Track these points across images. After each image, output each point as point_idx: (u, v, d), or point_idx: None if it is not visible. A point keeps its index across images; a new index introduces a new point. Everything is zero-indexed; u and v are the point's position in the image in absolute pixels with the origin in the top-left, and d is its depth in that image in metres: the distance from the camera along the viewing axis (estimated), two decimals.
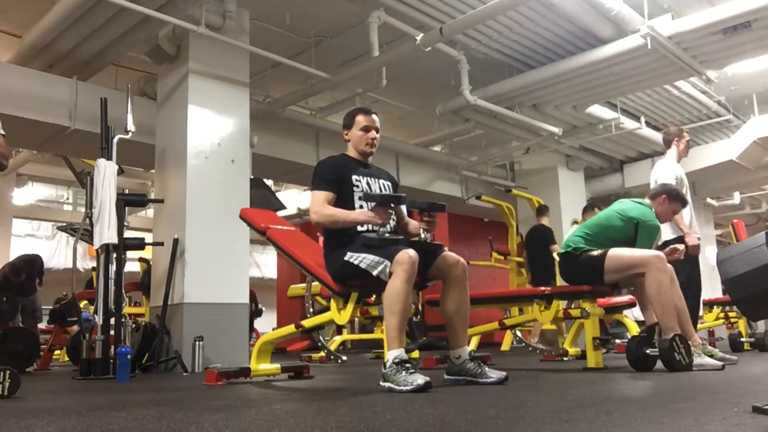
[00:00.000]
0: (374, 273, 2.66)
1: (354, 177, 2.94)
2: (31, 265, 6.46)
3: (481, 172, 9.17)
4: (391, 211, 2.88)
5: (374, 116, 3.04)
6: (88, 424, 1.85)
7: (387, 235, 2.84)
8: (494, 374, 2.73)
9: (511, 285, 7.60)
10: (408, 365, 2.51)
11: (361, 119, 3.00)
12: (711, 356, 3.38)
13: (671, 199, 3.77)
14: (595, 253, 3.52)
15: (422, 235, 2.94)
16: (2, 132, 2.84)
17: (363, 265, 2.69)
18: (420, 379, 2.42)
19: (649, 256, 3.44)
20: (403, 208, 3.09)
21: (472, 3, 5.34)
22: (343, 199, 2.89)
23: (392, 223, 2.97)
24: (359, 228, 2.85)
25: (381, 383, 2.55)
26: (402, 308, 2.58)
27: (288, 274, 12.05)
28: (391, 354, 2.55)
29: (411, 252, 2.62)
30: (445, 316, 2.86)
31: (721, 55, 6.13)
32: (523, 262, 7.69)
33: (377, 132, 3.03)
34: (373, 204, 2.84)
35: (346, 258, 2.77)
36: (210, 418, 1.86)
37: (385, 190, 3.03)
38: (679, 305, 3.49)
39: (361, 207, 2.91)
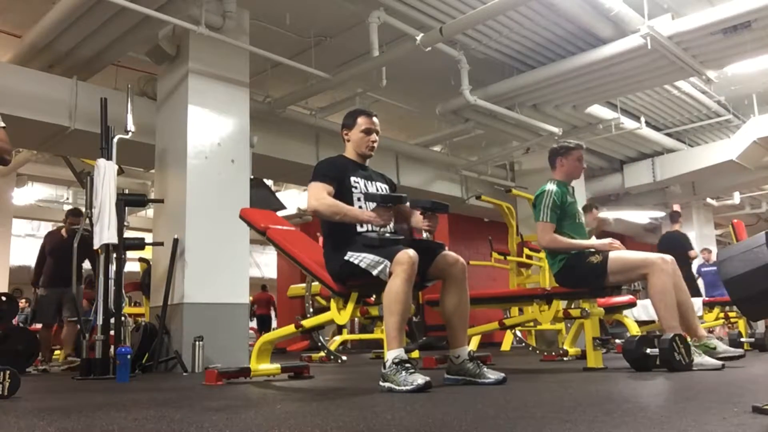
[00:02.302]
0: (374, 273, 2.66)
1: (352, 179, 2.95)
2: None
3: (481, 172, 9.17)
4: (391, 212, 2.88)
5: (375, 119, 3.05)
6: (88, 424, 1.85)
7: (387, 235, 2.85)
8: (493, 375, 2.73)
9: (510, 285, 7.59)
10: (408, 365, 2.51)
11: (362, 121, 3.01)
12: (714, 349, 3.37)
13: (563, 155, 3.82)
14: (594, 259, 3.53)
15: (423, 235, 2.94)
16: (2, 124, 2.79)
17: (363, 265, 2.70)
18: (420, 379, 2.42)
19: (653, 257, 3.45)
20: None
21: (472, 3, 5.34)
22: (341, 200, 2.89)
23: (392, 224, 2.98)
24: (359, 228, 2.86)
25: (381, 383, 2.55)
26: (402, 308, 2.58)
27: (288, 274, 12.05)
28: (391, 354, 2.55)
29: (411, 252, 2.62)
30: (445, 315, 2.87)
31: (721, 55, 6.13)
32: (522, 262, 7.69)
33: (377, 135, 3.04)
34: (374, 205, 2.84)
35: (346, 257, 2.77)
36: (210, 418, 1.86)
37: (383, 192, 3.03)
38: (681, 298, 3.48)
39: (360, 208, 2.91)
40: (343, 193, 2.91)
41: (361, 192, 2.94)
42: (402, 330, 2.61)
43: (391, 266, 2.62)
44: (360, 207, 2.91)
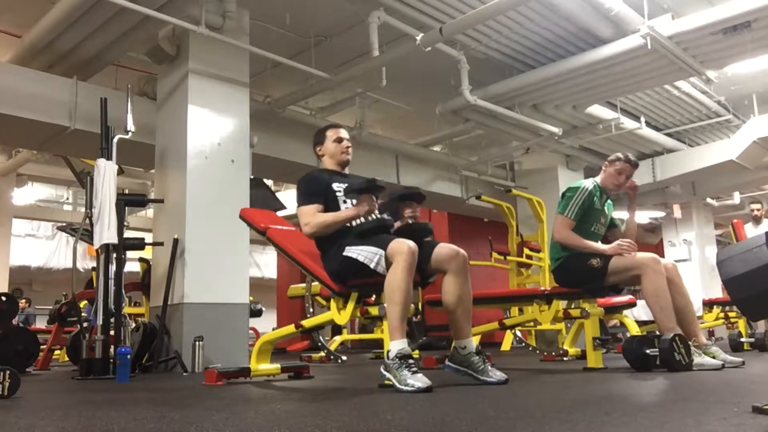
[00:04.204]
0: (372, 265, 2.69)
1: (335, 185, 3.05)
2: None
3: (481, 172, 9.17)
4: (373, 199, 2.95)
5: (342, 129, 3.25)
6: (88, 424, 1.85)
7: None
8: (496, 375, 2.72)
9: (510, 285, 7.60)
10: (411, 362, 2.52)
11: (331, 133, 3.20)
12: (714, 358, 3.36)
13: (609, 162, 3.88)
14: (595, 262, 3.53)
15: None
16: None
17: (361, 258, 2.74)
18: (421, 383, 2.42)
19: (645, 258, 3.44)
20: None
21: (472, 3, 5.34)
22: (330, 208, 2.98)
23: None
24: (348, 225, 2.93)
25: (382, 371, 2.56)
26: (403, 297, 2.60)
27: (288, 274, 12.06)
28: (394, 346, 2.56)
29: (410, 243, 2.66)
30: (448, 307, 2.82)
31: (721, 55, 6.12)
32: (522, 262, 7.69)
33: (348, 141, 3.20)
34: (355, 200, 2.94)
35: (344, 253, 2.81)
36: (210, 418, 1.86)
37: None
38: (681, 303, 3.48)
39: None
40: (329, 201, 3.01)
41: (344, 195, 3.04)
42: (404, 320, 2.62)
43: (390, 256, 2.65)
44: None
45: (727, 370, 3.19)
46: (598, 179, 3.88)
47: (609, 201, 3.91)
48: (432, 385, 2.42)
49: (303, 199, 3.02)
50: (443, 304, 2.87)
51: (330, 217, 2.92)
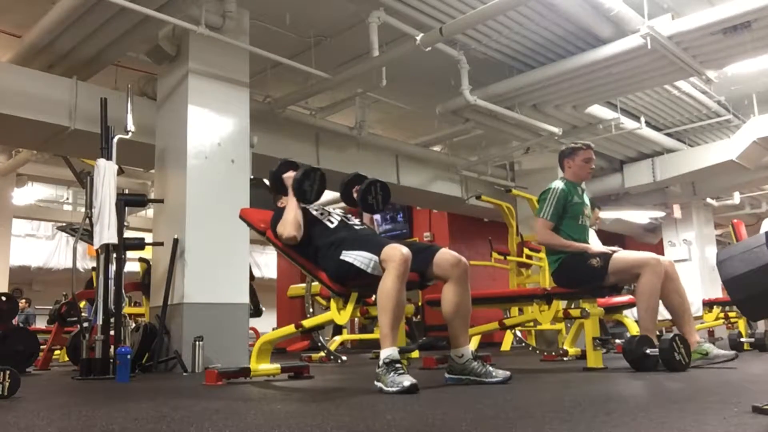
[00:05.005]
0: (369, 270, 2.69)
1: (308, 208, 3.16)
2: None
3: (481, 172, 9.17)
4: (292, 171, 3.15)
5: None
6: (88, 424, 1.85)
7: (356, 225, 3.08)
8: (499, 373, 2.73)
9: (510, 285, 7.59)
10: (398, 365, 2.51)
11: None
12: (707, 354, 3.41)
13: (569, 156, 3.93)
14: (595, 262, 3.54)
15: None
16: None
17: (357, 263, 2.74)
18: (406, 381, 2.41)
19: (647, 257, 3.46)
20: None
21: (472, 3, 5.34)
22: (314, 231, 3.04)
23: (357, 220, 3.17)
24: (330, 225, 3.05)
25: (375, 382, 2.56)
26: (394, 306, 2.59)
27: (288, 274, 12.06)
28: (384, 353, 2.56)
29: (404, 249, 2.65)
30: (446, 315, 2.85)
31: (721, 55, 6.12)
32: (522, 262, 7.69)
33: None
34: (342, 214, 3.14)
35: (341, 257, 2.81)
36: (210, 418, 1.86)
37: (338, 216, 3.16)
38: (678, 302, 3.49)
39: (331, 222, 3.08)
40: (314, 224, 3.08)
41: (320, 212, 3.14)
42: (395, 328, 2.61)
43: (383, 262, 2.65)
44: (330, 222, 3.08)
45: (727, 370, 3.19)
46: (566, 177, 3.90)
47: (584, 194, 3.95)
48: (416, 384, 2.40)
49: (275, 223, 3.11)
50: (442, 311, 2.88)
51: (288, 213, 3.02)
